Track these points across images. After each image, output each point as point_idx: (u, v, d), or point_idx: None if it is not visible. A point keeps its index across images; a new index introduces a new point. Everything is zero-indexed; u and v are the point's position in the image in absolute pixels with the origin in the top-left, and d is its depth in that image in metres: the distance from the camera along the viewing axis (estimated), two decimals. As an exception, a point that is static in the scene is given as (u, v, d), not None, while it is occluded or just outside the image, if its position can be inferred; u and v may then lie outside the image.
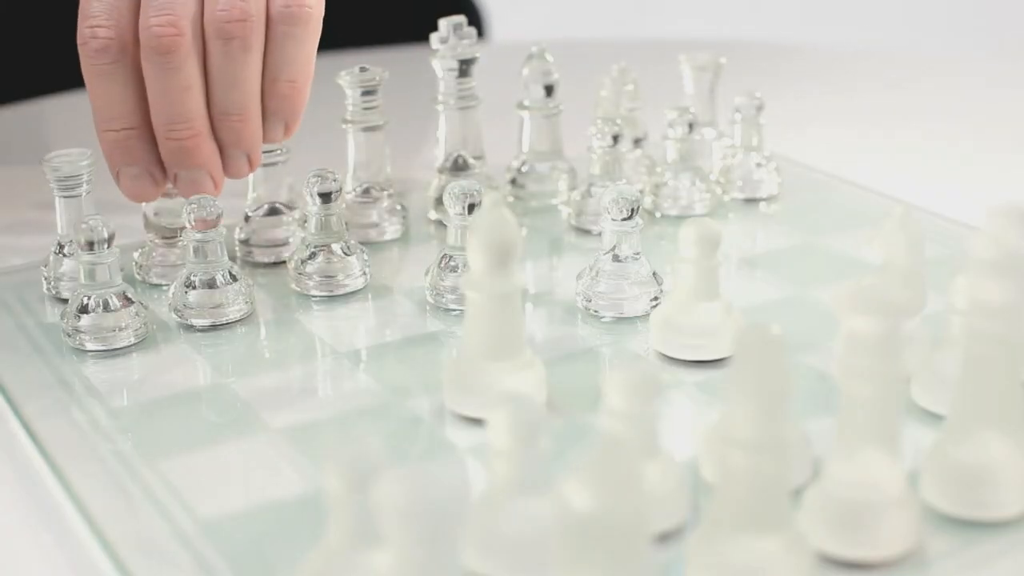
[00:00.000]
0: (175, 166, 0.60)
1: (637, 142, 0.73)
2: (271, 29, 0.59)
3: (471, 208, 0.57)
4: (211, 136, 0.60)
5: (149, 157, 0.60)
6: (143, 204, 0.63)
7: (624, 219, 0.57)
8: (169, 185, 0.61)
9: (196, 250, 0.57)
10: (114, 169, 0.60)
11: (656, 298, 0.58)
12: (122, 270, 0.57)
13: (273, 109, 0.61)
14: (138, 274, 0.63)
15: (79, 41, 0.58)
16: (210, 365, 0.55)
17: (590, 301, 0.58)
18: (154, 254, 0.63)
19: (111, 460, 0.48)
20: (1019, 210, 0.43)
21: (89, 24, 0.58)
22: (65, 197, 0.60)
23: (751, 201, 0.71)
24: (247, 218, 0.65)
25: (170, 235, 0.63)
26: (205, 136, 0.59)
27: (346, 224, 0.62)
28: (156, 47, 0.57)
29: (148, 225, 0.63)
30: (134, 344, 0.56)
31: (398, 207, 0.68)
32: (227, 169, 0.61)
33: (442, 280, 0.59)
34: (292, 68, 0.60)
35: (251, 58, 0.59)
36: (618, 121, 0.66)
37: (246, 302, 0.58)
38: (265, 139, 0.61)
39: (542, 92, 0.70)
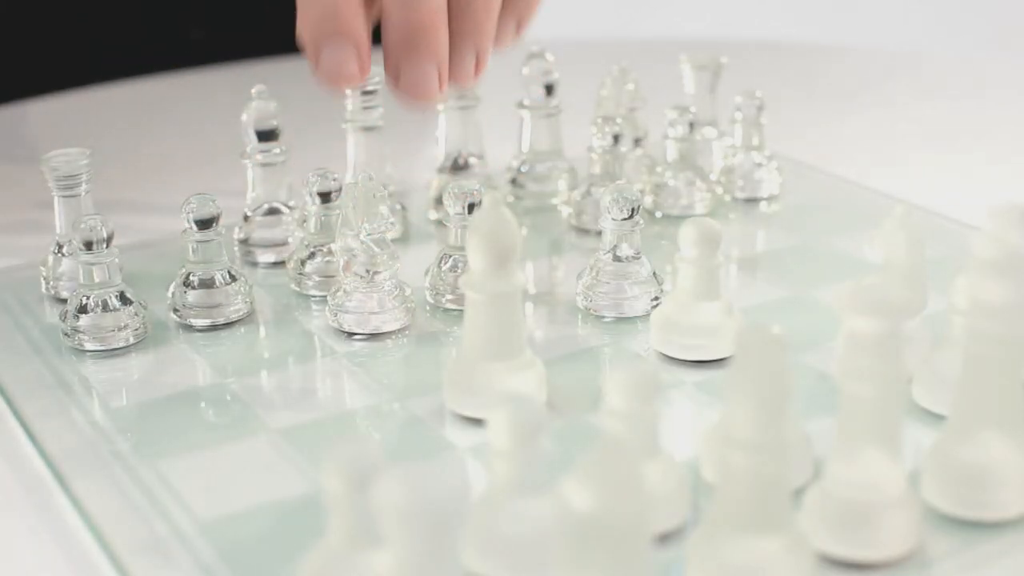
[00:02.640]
0: (401, 53, 0.49)
1: (637, 142, 0.73)
2: None
3: (471, 208, 0.57)
4: (447, 24, 0.50)
5: (361, 33, 0.50)
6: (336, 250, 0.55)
7: (624, 219, 0.57)
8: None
9: (195, 250, 0.57)
10: (314, 44, 0.50)
11: (656, 298, 0.58)
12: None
13: (512, 2, 0.52)
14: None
15: None
16: (209, 365, 0.55)
17: (591, 301, 0.58)
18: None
19: (110, 460, 0.48)
20: (1019, 210, 0.43)
21: None
22: (64, 197, 0.60)
23: (752, 201, 0.71)
24: (246, 218, 0.65)
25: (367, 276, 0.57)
26: (444, 20, 0.49)
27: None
28: None
29: (346, 268, 0.57)
30: (133, 344, 0.56)
31: (398, 207, 0.68)
32: (452, 69, 0.51)
33: (442, 280, 0.58)
34: None
35: None
36: (618, 121, 0.66)
37: (245, 302, 0.58)
38: (497, 37, 0.52)
39: (542, 92, 0.70)
